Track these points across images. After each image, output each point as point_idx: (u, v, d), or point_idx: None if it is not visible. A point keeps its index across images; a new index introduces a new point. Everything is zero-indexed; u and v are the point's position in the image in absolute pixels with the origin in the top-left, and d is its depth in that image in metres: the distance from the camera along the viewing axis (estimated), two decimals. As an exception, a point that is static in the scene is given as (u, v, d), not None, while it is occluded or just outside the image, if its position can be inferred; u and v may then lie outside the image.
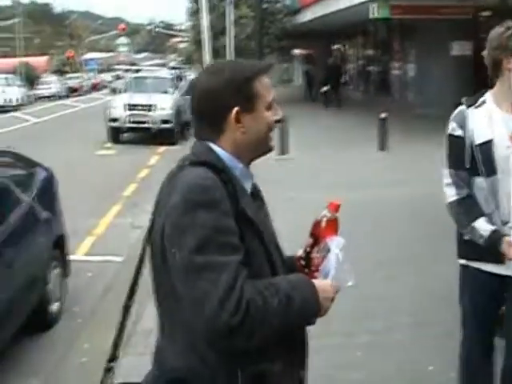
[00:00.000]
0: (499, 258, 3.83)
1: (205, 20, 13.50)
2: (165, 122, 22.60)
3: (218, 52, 31.22)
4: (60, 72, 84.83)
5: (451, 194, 3.97)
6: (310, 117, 27.23)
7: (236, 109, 2.38)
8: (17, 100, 47.76)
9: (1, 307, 5.48)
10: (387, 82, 33.78)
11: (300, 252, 2.61)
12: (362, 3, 22.11)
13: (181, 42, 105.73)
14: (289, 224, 6.62)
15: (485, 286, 4.03)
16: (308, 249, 2.57)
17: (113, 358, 2.56)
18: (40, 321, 6.68)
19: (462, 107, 4.00)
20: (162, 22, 77.55)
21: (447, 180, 4.00)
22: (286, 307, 2.22)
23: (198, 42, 38.31)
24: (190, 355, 2.28)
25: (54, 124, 32.58)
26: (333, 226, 2.58)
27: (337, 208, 2.57)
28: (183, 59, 46.59)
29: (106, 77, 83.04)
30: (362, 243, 7.98)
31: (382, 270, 7.50)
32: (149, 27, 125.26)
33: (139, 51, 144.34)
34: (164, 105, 22.80)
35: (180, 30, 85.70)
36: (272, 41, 37.00)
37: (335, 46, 47.71)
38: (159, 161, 18.36)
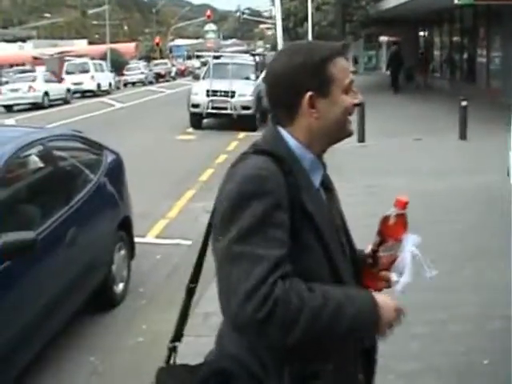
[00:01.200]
0: None
1: (278, 5, 13.20)
2: (245, 108, 22.68)
3: (301, 38, 31.21)
4: (148, 58, 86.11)
5: None
6: (392, 105, 26.99)
7: (309, 93, 2.27)
8: (107, 85, 48.77)
9: (64, 285, 5.63)
10: (473, 69, 33.10)
11: (368, 249, 2.53)
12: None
13: (268, 28, 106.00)
14: (368, 212, 6.55)
15: None
16: (375, 247, 2.50)
17: (176, 337, 2.50)
18: (105, 300, 6.83)
19: None
20: (248, 8, 77.70)
21: None
22: (333, 313, 2.07)
23: (282, 29, 38.48)
24: (242, 343, 2.21)
25: (138, 109, 33.11)
26: (401, 223, 2.47)
27: (404, 205, 2.46)
28: (270, 46, 46.70)
29: (195, 63, 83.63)
30: (430, 233, 7.85)
31: (446, 261, 7.36)
32: (237, 14, 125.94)
33: (227, 38, 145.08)
34: (244, 91, 22.88)
35: (268, 17, 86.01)
36: (356, 27, 36.77)
37: (422, 33, 47.01)
38: (238, 146, 18.39)
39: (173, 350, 2.47)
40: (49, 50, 69.46)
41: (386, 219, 2.45)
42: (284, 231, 2.11)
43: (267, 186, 2.13)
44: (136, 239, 7.75)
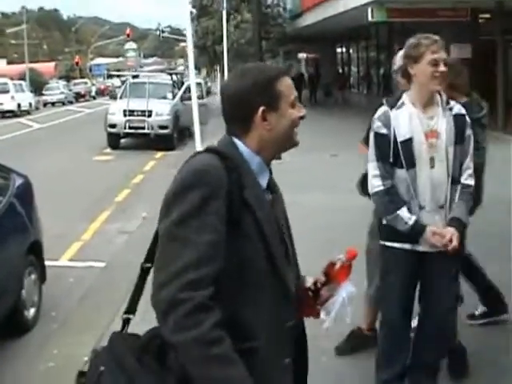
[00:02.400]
0: (415, 239, 4.47)
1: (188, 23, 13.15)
2: (162, 127, 22.71)
3: (218, 57, 31.51)
4: (67, 78, 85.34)
5: (378, 185, 4.50)
6: (310, 120, 27.25)
7: (262, 108, 2.56)
8: (28, 105, 48.45)
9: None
10: (389, 84, 33.79)
11: (310, 283, 2.83)
12: (359, 7, 22.24)
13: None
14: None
15: (403, 262, 4.61)
16: (319, 285, 2.81)
17: (129, 310, 2.66)
18: (16, 325, 6.73)
19: (385, 108, 4.57)
20: (168, 26, 77.63)
21: (374, 172, 4.52)
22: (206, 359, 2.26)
23: (200, 47, 38.67)
24: None
25: (56, 130, 32.83)
26: (346, 270, 2.81)
27: (353, 256, 2.80)
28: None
29: (115, 82, 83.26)
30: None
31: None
32: (157, 32, 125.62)
33: (147, 56, 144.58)
34: (161, 110, 22.90)
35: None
36: (274, 45, 37.22)
37: (339, 50, 47.86)
38: (155, 166, 18.47)
39: (126, 322, 2.66)
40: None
41: (333, 263, 2.80)
42: (218, 219, 2.39)
43: (206, 179, 2.42)
44: (49, 262, 7.67)
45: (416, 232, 4.42)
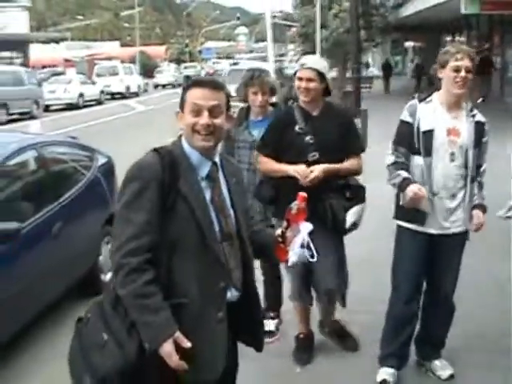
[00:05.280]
0: (424, 220, 5.06)
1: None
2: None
3: (320, 43, 31.95)
4: (178, 61, 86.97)
5: (391, 159, 5.07)
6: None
7: (177, 110, 3.34)
8: (136, 88, 50.42)
9: (48, 270, 6.42)
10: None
11: (278, 231, 3.52)
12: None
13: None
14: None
15: (415, 241, 5.16)
16: (283, 229, 3.49)
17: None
18: (92, 288, 7.41)
19: (414, 101, 5.16)
20: (281, 11, 77.70)
21: (390, 151, 5.12)
22: (139, 309, 3.06)
23: (303, 35, 39.14)
24: None
25: (158, 113, 33.80)
26: (301, 212, 3.46)
27: (304, 199, 3.47)
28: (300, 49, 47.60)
29: (226, 66, 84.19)
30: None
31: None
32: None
33: (258, 41, 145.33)
34: (258, 97, 23.49)
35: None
36: (374, 34, 37.28)
37: (448, 38, 47.40)
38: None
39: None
40: (80, 52, 70.75)
41: (289, 209, 3.49)
42: (151, 204, 3.12)
43: (141, 173, 3.18)
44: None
45: (402, 185, 4.92)
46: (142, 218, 3.10)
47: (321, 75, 5.37)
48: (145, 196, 3.13)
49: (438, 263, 5.25)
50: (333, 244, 5.47)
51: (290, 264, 3.60)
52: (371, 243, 7.74)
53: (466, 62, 4.92)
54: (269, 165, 5.55)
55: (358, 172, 5.56)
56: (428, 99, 5.11)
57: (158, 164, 3.18)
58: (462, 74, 4.91)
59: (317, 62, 5.55)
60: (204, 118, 3.25)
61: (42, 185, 6.92)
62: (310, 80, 5.34)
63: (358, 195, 5.47)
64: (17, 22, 50.16)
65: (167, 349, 3.01)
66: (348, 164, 5.44)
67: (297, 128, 5.42)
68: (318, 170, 5.23)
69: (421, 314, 5.46)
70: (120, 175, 3.59)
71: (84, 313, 3.38)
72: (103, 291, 3.40)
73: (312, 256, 3.55)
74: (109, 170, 8.39)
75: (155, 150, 3.27)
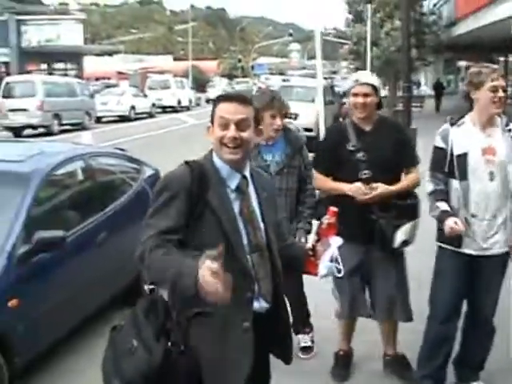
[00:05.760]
0: (461, 243, 5.05)
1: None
2: (307, 129, 23.35)
3: (371, 61, 31.95)
4: (230, 76, 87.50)
5: (430, 188, 5.10)
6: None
7: (208, 125, 3.43)
8: (187, 102, 51.00)
9: (93, 279, 6.52)
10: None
11: (309, 245, 3.67)
12: (506, 19, 22.18)
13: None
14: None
15: (455, 263, 5.16)
16: (314, 243, 3.60)
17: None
18: (136, 298, 7.62)
19: (446, 125, 5.14)
20: (334, 28, 77.60)
21: (428, 177, 5.16)
22: (160, 267, 3.12)
23: (355, 52, 39.15)
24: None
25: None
26: (332, 227, 3.56)
27: (334, 214, 3.59)
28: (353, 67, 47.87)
29: (276, 82, 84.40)
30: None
31: None
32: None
33: (311, 58, 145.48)
34: (307, 113, 23.51)
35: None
36: (425, 53, 37.10)
37: (500, 58, 47.03)
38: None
39: (151, 290, 3.46)
40: (133, 66, 71.62)
41: (320, 224, 3.61)
42: (176, 213, 3.24)
43: (171, 184, 3.32)
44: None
45: (441, 217, 4.95)
46: (163, 225, 3.21)
47: (375, 89, 5.39)
48: (172, 205, 3.25)
49: (478, 285, 5.22)
50: (391, 265, 5.53)
51: (319, 277, 3.62)
52: (419, 260, 7.65)
53: (501, 82, 4.93)
54: (324, 182, 5.62)
55: (416, 185, 5.56)
56: (460, 122, 5.11)
57: (187, 175, 3.31)
58: (500, 93, 4.92)
59: (370, 76, 5.61)
60: (231, 131, 3.32)
61: (89, 195, 7.06)
62: (366, 95, 5.35)
63: (407, 212, 5.42)
64: (71, 34, 50.94)
65: (206, 278, 2.83)
66: (407, 181, 5.47)
67: (349, 146, 5.41)
68: (381, 188, 5.27)
69: (460, 335, 5.45)
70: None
71: (118, 321, 3.47)
72: (138, 302, 3.48)
73: (339, 271, 3.57)
74: (155, 182, 8.44)
75: (186, 162, 3.40)
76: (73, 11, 62.28)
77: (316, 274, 3.61)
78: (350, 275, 5.25)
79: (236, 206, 3.38)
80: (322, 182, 5.63)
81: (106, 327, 6.61)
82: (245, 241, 3.37)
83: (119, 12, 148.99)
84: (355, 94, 5.39)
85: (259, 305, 3.41)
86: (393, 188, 5.32)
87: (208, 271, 2.81)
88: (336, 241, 3.53)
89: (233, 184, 3.40)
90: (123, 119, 38.51)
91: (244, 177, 3.45)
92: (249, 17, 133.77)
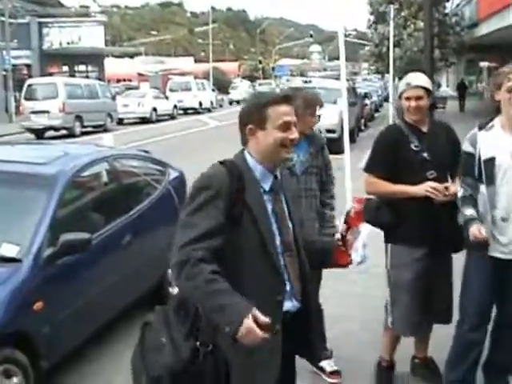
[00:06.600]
0: (487, 249, 4.92)
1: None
2: (330, 131, 23.27)
3: (393, 62, 31.77)
4: (251, 78, 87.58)
5: (460, 193, 5.01)
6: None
7: (249, 126, 3.41)
8: (209, 103, 51.04)
9: (118, 280, 6.51)
10: None
11: (338, 235, 3.63)
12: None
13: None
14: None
15: (483, 267, 5.04)
16: (344, 233, 3.59)
17: None
18: (160, 299, 7.57)
19: (475, 129, 5.02)
20: (355, 29, 77.65)
21: (460, 183, 5.07)
22: (208, 297, 3.04)
23: (376, 54, 39.02)
24: None
25: (230, 128, 33.99)
26: (359, 215, 3.60)
27: (361, 201, 3.68)
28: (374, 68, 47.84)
29: (298, 83, 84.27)
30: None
31: None
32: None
33: (332, 59, 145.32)
34: (330, 114, 23.36)
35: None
36: (448, 54, 36.92)
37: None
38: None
39: None
40: (154, 67, 71.82)
41: (348, 213, 3.61)
42: (217, 212, 3.22)
43: (211, 183, 3.29)
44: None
45: (467, 223, 4.87)
46: (207, 224, 3.19)
47: (428, 91, 5.30)
48: (213, 204, 3.24)
49: (507, 288, 5.12)
50: (450, 268, 5.53)
51: (353, 265, 3.63)
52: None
53: None
54: (383, 186, 5.36)
55: None
56: (489, 126, 4.99)
57: (226, 175, 3.30)
58: None
59: (422, 78, 5.41)
60: (294, 133, 3.41)
61: (114, 197, 7.04)
62: (419, 98, 5.25)
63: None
64: (92, 37, 51.13)
65: (249, 325, 2.94)
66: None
67: (412, 146, 5.29)
68: (453, 187, 5.14)
69: (489, 339, 5.36)
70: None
71: (151, 318, 3.46)
72: (169, 300, 3.49)
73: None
74: (180, 184, 8.44)
75: (221, 162, 3.39)
76: (94, 13, 62.50)
77: (345, 266, 3.63)
78: (414, 285, 5.30)
79: (269, 206, 3.42)
80: (380, 186, 5.37)
81: (131, 329, 6.73)
82: (277, 241, 3.39)
83: (140, 14, 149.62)
84: (408, 98, 5.28)
85: (292, 304, 3.44)
86: (458, 187, 5.18)
87: (254, 322, 2.94)
88: (366, 227, 3.58)
89: (266, 185, 3.43)
90: (145, 121, 38.65)
91: (276, 177, 3.48)
92: (269, 18, 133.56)
